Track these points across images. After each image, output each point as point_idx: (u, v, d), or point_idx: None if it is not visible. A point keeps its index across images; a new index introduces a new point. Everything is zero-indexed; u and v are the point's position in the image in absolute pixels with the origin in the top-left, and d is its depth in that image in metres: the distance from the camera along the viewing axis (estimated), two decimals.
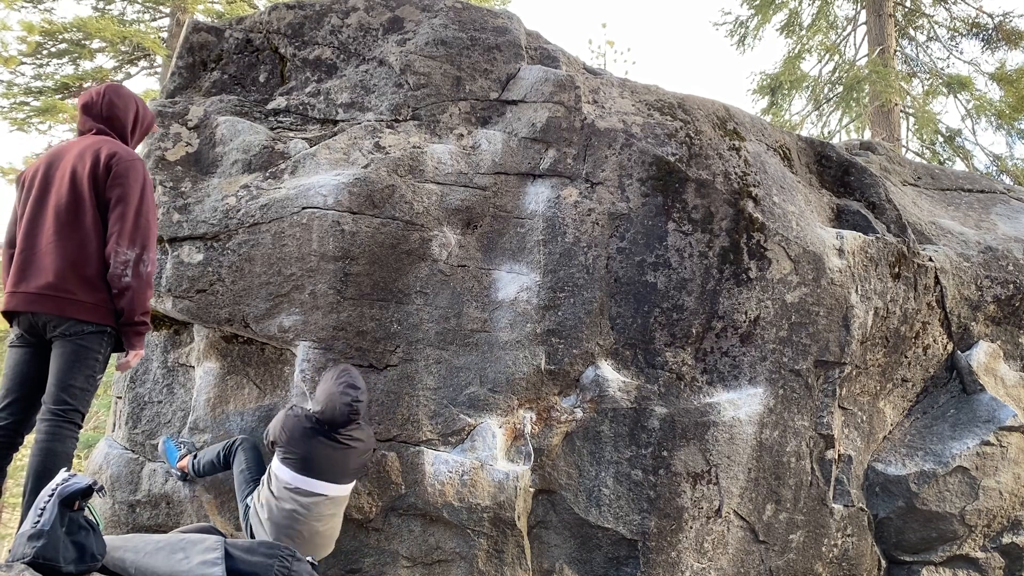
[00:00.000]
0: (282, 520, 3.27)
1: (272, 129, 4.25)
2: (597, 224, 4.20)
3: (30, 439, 2.89)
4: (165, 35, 13.69)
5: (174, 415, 4.07)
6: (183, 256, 3.82)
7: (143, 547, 2.65)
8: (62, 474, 2.47)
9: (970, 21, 12.90)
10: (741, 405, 4.21)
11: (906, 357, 4.80)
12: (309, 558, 2.94)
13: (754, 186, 4.40)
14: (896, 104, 12.19)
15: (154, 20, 14.30)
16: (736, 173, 4.39)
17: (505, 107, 4.38)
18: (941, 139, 13.16)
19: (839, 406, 4.52)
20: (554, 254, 4.14)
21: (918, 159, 12.33)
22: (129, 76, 13.98)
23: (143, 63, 13.92)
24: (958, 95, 12.77)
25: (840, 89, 13.28)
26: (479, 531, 3.84)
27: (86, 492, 2.43)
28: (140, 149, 3.97)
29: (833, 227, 4.77)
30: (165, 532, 3.39)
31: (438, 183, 4.09)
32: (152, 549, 2.64)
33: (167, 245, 3.86)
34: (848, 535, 4.48)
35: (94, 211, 2.83)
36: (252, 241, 3.84)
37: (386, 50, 4.43)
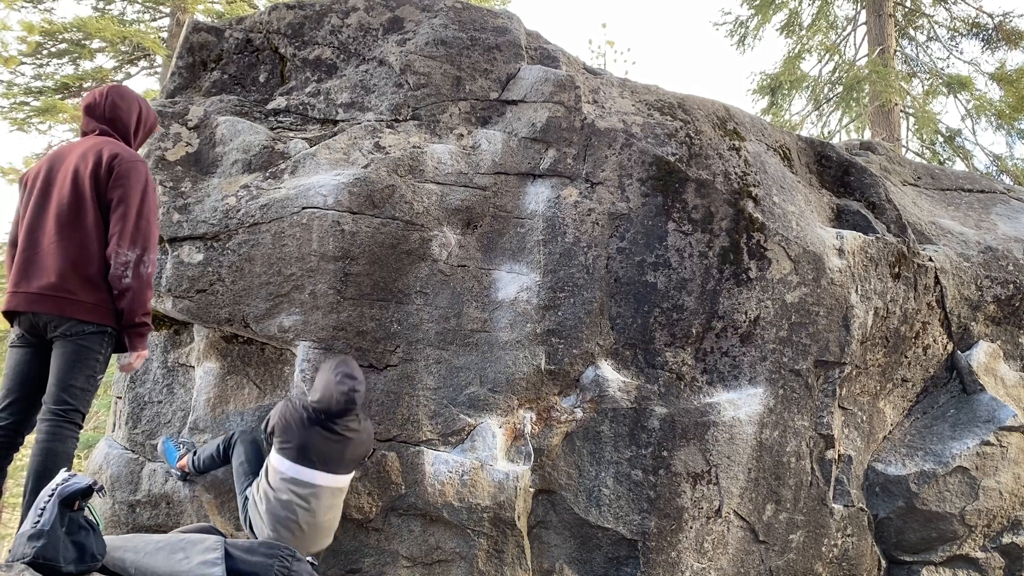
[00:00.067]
0: (280, 511, 3.27)
1: (272, 129, 4.25)
2: (597, 224, 4.20)
3: (30, 439, 2.89)
4: (165, 35, 13.69)
5: (174, 415, 4.07)
6: (183, 256, 3.82)
7: (143, 547, 2.66)
8: (62, 474, 2.47)
9: (970, 21, 12.90)
10: (741, 405, 4.21)
11: (906, 357, 4.80)
12: (309, 558, 2.94)
13: (754, 186, 4.40)
14: (896, 104, 12.19)
15: (154, 20, 14.30)
16: (736, 173, 4.39)
17: (505, 107, 4.38)
18: (941, 139, 13.16)
19: (839, 406, 4.52)
20: (554, 254, 4.14)
21: (918, 159, 12.33)
22: (129, 76, 13.98)
23: (143, 63, 13.92)
24: (958, 95, 12.77)
25: (840, 89, 13.28)
26: (479, 531, 3.84)
27: (86, 492, 2.43)
28: (141, 149, 3.97)
29: (833, 227, 4.77)
30: (165, 532, 3.39)
31: (438, 183, 4.09)
32: (152, 549, 2.64)
33: (167, 245, 3.86)
34: (848, 535, 4.48)
35: (95, 212, 2.84)
36: (252, 241, 3.84)
37: (386, 50, 4.43)
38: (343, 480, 3.46)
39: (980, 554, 4.71)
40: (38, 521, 2.35)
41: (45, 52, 13.08)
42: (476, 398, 3.95)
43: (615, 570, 4.06)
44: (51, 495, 2.39)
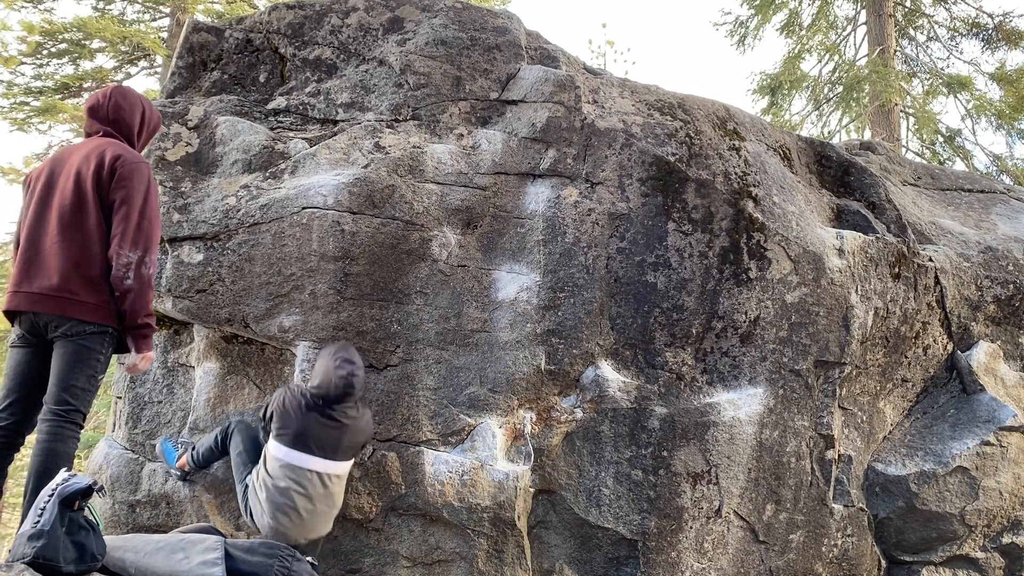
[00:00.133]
0: (277, 497, 3.28)
1: (272, 129, 4.25)
2: (597, 224, 4.20)
3: (31, 439, 2.89)
4: (165, 35, 13.69)
5: (174, 415, 4.07)
6: (183, 256, 3.82)
7: (143, 547, 2.66)
8: (62, 474, 2.48)
9: (970, 21, 12.90)
10: (741, 405, 4.21)
11: (906, 357, 4.80)
12: (309, 558, 2.94)
13: (754, 186, 4.40)
14: (896, 104, 12.19)
15: (154, 20, 14.30)
16: (736, 173, 4.39)
17: (505, 107, 4.38)
18: (941, 139, 13.17)
19: (839, 406, 4.52)
20: (554, 254, 4.14)
21: (918, 159, 12.33)
22: (129, 76, 13.98)
23: (143, 63, 13.92)
24: (958, 95, 12.78)
25: (840, 89, 13.28)
26: (479, 531, 3.84)
27: (86, 492, 2.43)
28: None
29: (833, 227, 4.77)
30: (165, 532, 3.39)
31: (438, 183, 4.09)
32: (152, 549, 2.65)
33: (167, 245, 3.86)
34: (848, 535, 4.48)
35: (97, 212, 2.84)
36: (252, 241, 3.84)
37: (386, 50, 4.43)
38: (340, 467, 3.46)
39: (980, 554, 4.71)
40: (38, 521, 2.35)
41: (45, 52, 13.08)
42: (476, 398, 3.95)
43: (615, 570, 4.06)
44: (51, 495, 2.39)
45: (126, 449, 4.03)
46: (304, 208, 3.86)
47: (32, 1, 13.33)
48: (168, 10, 13.78)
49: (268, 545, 2.86)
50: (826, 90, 13.68)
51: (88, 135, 3.10)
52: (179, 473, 3.80)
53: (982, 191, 5.83)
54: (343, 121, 4.29)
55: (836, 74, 13.65)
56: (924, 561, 4.64)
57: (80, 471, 3.01)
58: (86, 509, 2.50)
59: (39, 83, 13.23)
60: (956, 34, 13.18)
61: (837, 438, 4.45)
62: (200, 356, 4.06)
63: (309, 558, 2.95)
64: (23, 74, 13.16)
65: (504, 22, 4.58)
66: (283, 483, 3.29)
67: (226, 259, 3.83)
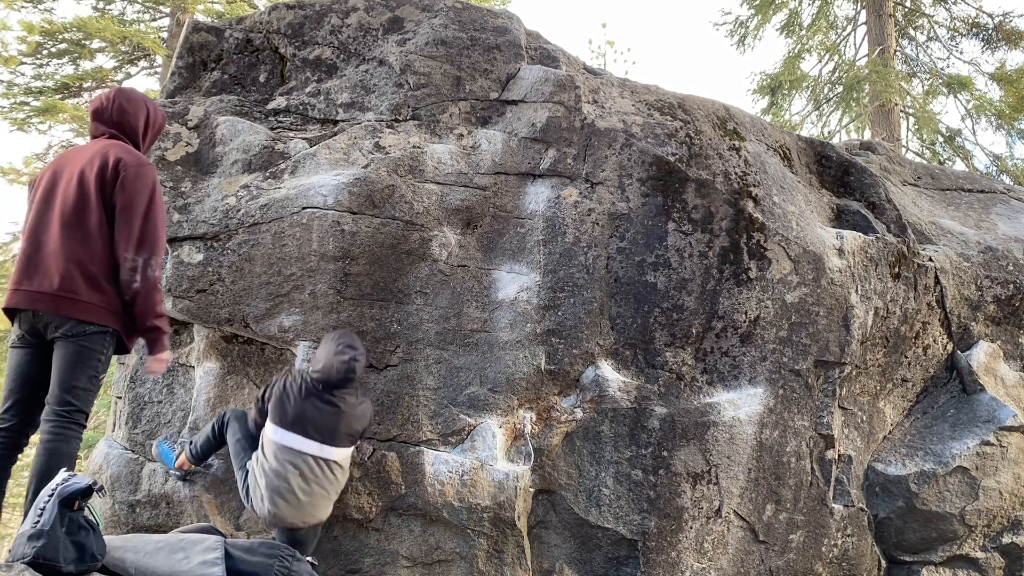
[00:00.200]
0: (274, 480, 3.32)
1: (272, 129, 4.25)
2: (597, 224, 4.20)
3: (34, 439, 2.90)
4: (165, 35, 13.68)
5: (174, 415, 4.07)
6: (183, 256, 3.82)
7: (143, 547, 2.66)
8: (62, 474, 2.48)
9: (970, 21, 12.90)
10: (741, 405, 4.21)
11: (906, 357, 4.80)
12: (309, 558, 2.94)
13: (754, 186, 4.40)
14: (896, 104, 12.19)
15: (154, 20, 14.30)
16: (736, 173, 4.39)
17: (505, 107, 4.38)
18: (941, 139, 13.16)
19: (839, 406, 4.52)
20: (554, 254, 4.14)
21: (918, 159, 12.33)
22: (129, 76, 13.98)
23: (143, 63, 13.92)
24: (958, 95, 12.77)
25: (840, 89, 13.27)
26: (479, 531, 3.84)
27: (86, 492, 2.43)
28: None
29: (833, 227, 4.77)
30: (165, 532, 3.39)
31: (438, 183, 4.09)
32: (152, 549, 2.64)
33: (167, 245, 3.86)
34: (848, 535, 4.48)
35: (100, 213, 2.83)
36: (252, 241, 3.84)
37: (386, 50, 4.43)
38: (337, 453, 3.46)
39: (980, 554, 4.71)
40: (38, 521, 2.35)
41: (45, 52, 13.07)
42: (476, 398, 3.95)
43: (615, 570, 4.06)
44: (51, 495, 2.39)
45: (126, 449, 4.03)
46: (304, 208, 3.86)
47: (32, 1, 13.33)
48: (168, 10, 13.78)
49: (268, 545, 2.86)
50: (826, 90, 13.68)
51: (93, 137, 3.10)
52: (179, 473, 3.80)
53: (982, 191, 5.83)
54: (343, 121, 4.29)
55: (836, 74, 13.65)
56: (924, 561, 4.64)
57: (80, 471, 3.01)
58: (86, 509, 2.50)
59: (39, 83, 13.23)
60: (956, 34, 13.18)
61: (837, 438, 4.45)
62: (200, 356, 4.06)
63: (309, 558, 2.95)
64: (23, 74, 13.17)
65: (504, 22, 4.58)
66: (280, 466, 3.33)
67: (226, 259, 3.83)
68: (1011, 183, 8.64)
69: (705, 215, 4.30)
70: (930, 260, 4.79)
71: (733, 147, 4.48)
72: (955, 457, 4.56)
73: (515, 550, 3.91)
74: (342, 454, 3.50)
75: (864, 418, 4.65)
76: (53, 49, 13.12)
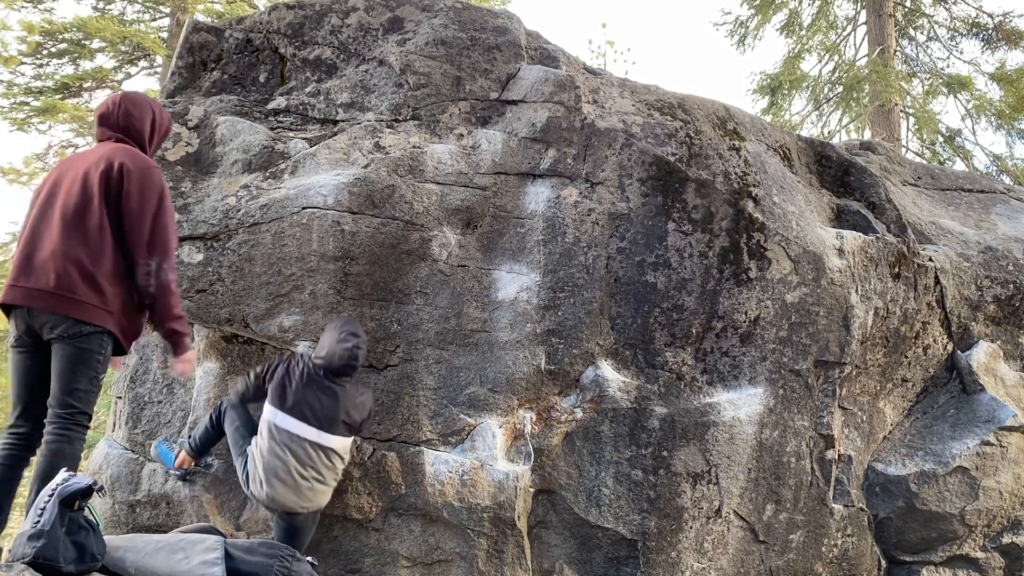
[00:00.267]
0: (272, 461, 3.35)
1: (272, 129, 4.25)
2: (597, 224, 4.20)
3: None
4: (165, 35, 13.68)
5: (174, 415, 4.07)
6: (183, 256, 3.82)
7: (143, 547, 2.65)
8: (62, 474, 2.47)
9: (970, 21, 12.90)
10: (741, 405, 4.21)
11: (906, 357, 4.80)
12: (309, 558, 2.94)
13: (754, 186, 4.40)
14: (896, 104, 12.19)
15: (154, 20, 14.29)
16: (736, 173, 4.39)
17: (505, 107, 4.38)
18: (941, 139, 13.16)
19: (839, 406, 4.52)
20: (554, 254, 4.14)
21: (918, 159, 12.33)
22: (129, 76, 13.97)
23: (143, 63, 13.91)
24: (958, 95, 12.77)
25: (840, 89, 13.28)
26: (479, 531, 3.84)
27: (86, 492, 2.43)
28: None
29: (833, 227, 4.77)
30: (165, 532, 3.39)
31: (438, 183, 4.09)
32: (152, 549, 2.64)
33: None
34: (848, 535, 4.48)
35: (101, 213, 2.82)
36: (252, 241, 3.84)
37: (386, 50, 4.43)
38: (335, 441, 3.47)
39: (980, 554, 4.71)
40: (38, 521, 2.35)
41: (45, 52, 13.07)
42: (476, 398, 3.95)
43: (615, 570, 4.06)
44: (51, 495, 2.39)
45: (126, 449, 4.03)
46: (304, 208, 3.86)
47: (32, 1, 13.33)
48: (168, 10, 13.78)
49: (268, 545, 2.86)
50: (826, 90, 13.68)
51: (99, 142, 3.09)
52: (179, 472, 3.80)
53: (982, 191, 5.83)
54: (343, 121, 4.30)
55: (836, 74, 13.65)
56: (924, 561, 4.64)
57: (81, 471, 3.01)
58: (86, 509, 2.50)
59: (39, 83, 13.22)
60: (956, 34, 13.18)
61: (837, 438, 4.45)
62: (200, 356, 4.06)
63: (309, 558, 2.95)
64: (23, 74, 13.16)
65: (504, 22, 4.58)
66: (279, 449, 3.35)
67: (226, 259, 3.83)
68: (1011, 183, 8.64)
69: (705, 215, 4.30)
70: (930, 260, 4.79)
71: (733, 147, 4.48)
72: (955, 457, 4.57)
73: (515, 550, 3.91)
74: (340, 442, 3.50)
75: (864, 418, 4.65)
76: (53, 49, 13.11)
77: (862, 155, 5.62)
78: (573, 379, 4.11)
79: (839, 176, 5.20)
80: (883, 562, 4.64)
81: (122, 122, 3.05)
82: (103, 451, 4.10)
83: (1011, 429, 4.64)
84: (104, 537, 2.57)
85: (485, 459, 3.85)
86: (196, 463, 3.81)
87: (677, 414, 4.13)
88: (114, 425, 4.22)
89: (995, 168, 12.78)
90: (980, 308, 4.94)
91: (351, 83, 4.39)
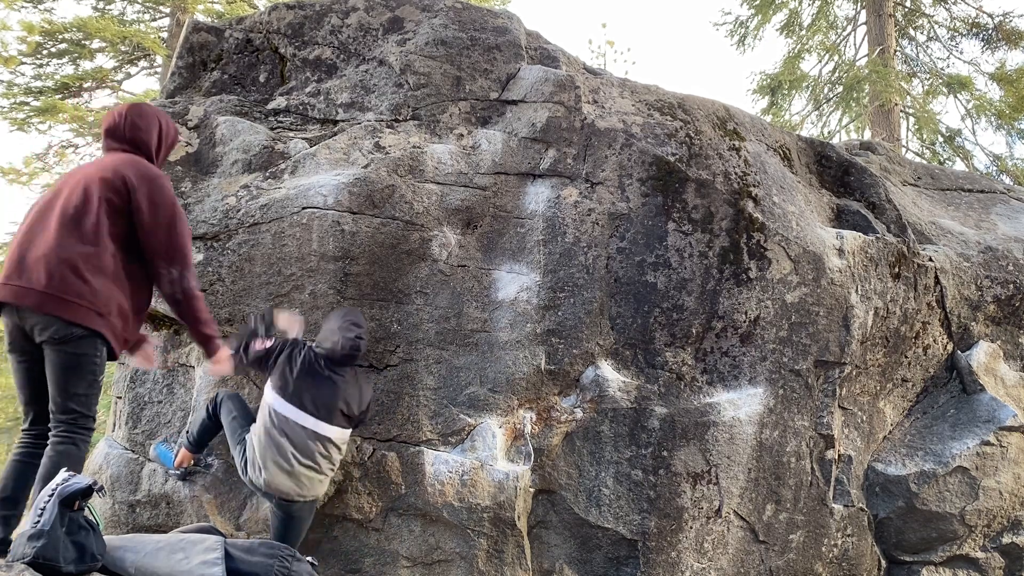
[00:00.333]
0: (269, 445, 3.37)
1: (272, 129, 4.25)
2: (597, 224, 4.20)
3: None
4: (165, 35, 13.68)
5: (174, 415, 4.06)
6: None
7: (143, 547, 2.65)
8: (62, 474, 2.47)
9: (970, 21, 12.90)
10: (741, 405, 4.21)
11: (906, 357, 4.80)
12: (309, 558, 2.94)
13: (754, 186, 4.40)
14: (896, 104, 12.19)
15: (154, 20, 14.29)
16: (736, 173, 4.39)
17: (505, 107, 4.38)
18: (941, 139, 13.16)
19: (839, 406, 4.52)
20: (554, 254, 4.14)
21: (918, 159, 12.33)
22: (129, 76, 13.97)
23: (143, 63, 13.91)
24: (958, 95, 12.77)
25: (840, 89, 13.28)
26: (479, 531, 3.84)
27: (86, 492, 2.43)
28: None
29: (833, 227, 4.77)
30: (165, 532, 3.39)
31: (438, 183, 4.09)
32: (152, 549, 2.64)
33: None
34: (848, 535, 4.48)
35: (99, 217, 2.79)
36: (252, 241, 3.84)
37: (386, 50, 4.43)
38: (332, 431, 3.47)
39: (980, 554, 4.71)
40: (38, 521, 2.35)
41: (45, 52, 13.06)
42: (476, 398, 3.95)
43: (615, 570, 4.06)
44: (51, 495, 2.39)
45: (126, 449, 4.03)
46: (304, 208, 3.86)
47: (32, 1, 13.33)
48: (168, 10, 13.78)
49: (268, 545, 2.86)
50: (826, 90, 13.68)
51: (107, 152, 3.09)
52: (179, 472, 3.80)
53: (982, 191, 5.83)
54: (343, 121, 4.29)
55: (836, 74, 13.66)
56: (924, 561, 4.64)
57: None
58: (86, 509, 2.50)
59: (39, 83, 13.22)
60: (956, 34, 13.18)
61: (837, 438, 4.45)
62: (200, 356, 4.06)
63: (309, 558, 2.95)
64: (23, 74, 13.16)
65: (504, 22, 4.58)
66: (277, 433, 3.37)
67: (226, 259, 3.83)
68: (1011, 183, 8.64)
69: (705, 215, 4.30)
70: (930, 260, 4.80)
71: (733, 147, 4.48)
72: (955, 457, 4.57)
73: (515, 550, 3.91)
74: (337, 433, 3.50)
75: (864, 418, 4.65)
76: (53, 49, 13.11)
77: (862, 155, 5.62)
78: (573, 379, 4.11)
79: (839, 176, 5.20)
80: (883, 562, 4.64)
81: (129, 134, 3.04)
82: (103, 451, 4.10)
83: (1011, 429, 4.64)
84: (104, 537, 2.57)
85: (485, 459, 3.85)
86: (196, 459, 3.81)
87: (677, 414, 4.13)
88: (114, 425, 4.22)
89: (995, 168, 12.78)
90: (980, 308, 4.94)
91: (351, 83, 4.39)
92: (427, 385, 3.94)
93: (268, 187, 3.97)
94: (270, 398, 3.45)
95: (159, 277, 2.91)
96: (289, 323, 3.69)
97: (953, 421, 4.75)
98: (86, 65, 13.41)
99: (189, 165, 4.10)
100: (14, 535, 2.53)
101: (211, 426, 3.67)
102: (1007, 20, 12.48)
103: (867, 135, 13.31)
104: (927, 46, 13.71)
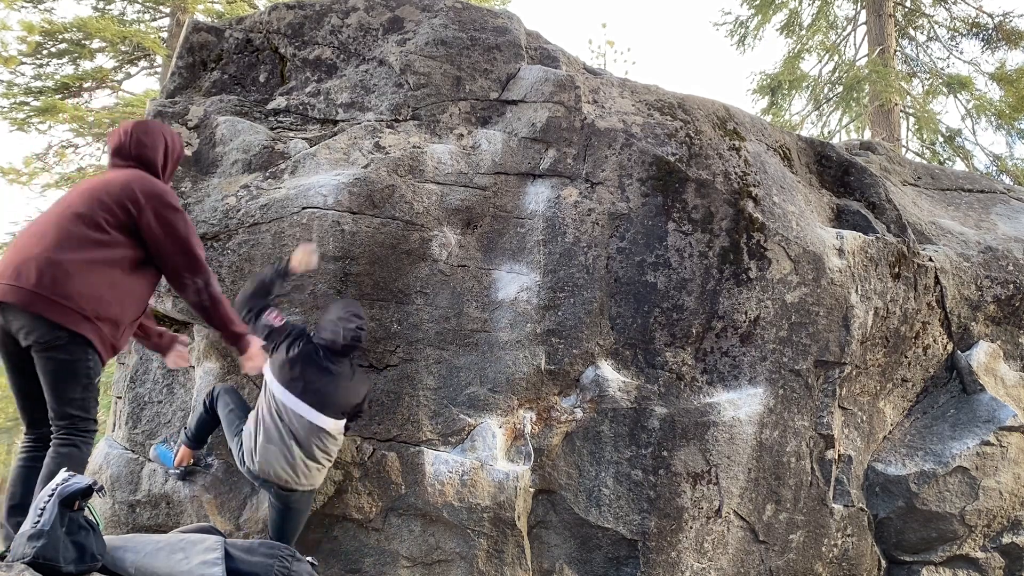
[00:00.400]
0: (267, 430, 3.38)
1: (272, 129, 4.25)
2: (597, 224, 4.20)
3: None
4: (165, 35, 13.68)
5: (174, 415, 4.06)
6: None
7: (143, 547, 2.65)
8: (62, 474, 2.47)
9: (970, 21, 12.90)
10: (741, 405, 4.21)
11: (906, 357, 4.80)
12: (309, 558, 2.94)
13: (754, 186, 4.40)
14: (896, 104, 12.19)
15: (154, 20, 14.29)
16: (736, 173, 4.39)
17: (505, 107, 4.38)
18: (941, 139, 13.16)
19: (839, 406, 4.52)
20: (554, 254, 4.14)
21: (918, 159, 12.33)
22: (129, 76, 13.98)
23: (143, 63, 13.91)
24: (958, 95, 12.78)
25: (840, 89, 13.28)
26: (479, 531, 3.84)
27: (86, 492, 2.43)
28: None
29: (833, 227, 4.77)
30: (165, 532, 3.39)
31: (438, 183, 4.09)
32: (152, 549, 2.64)
33: None
34: (848, 535, 4.48)
35: (101, 227, 2.78)
36: (252, 241, 3.84)
37: (386, 50, 4.43)
38: (328, 423, 3.47)
39: (980, 554, 4.71)
40: (38, 521, 2.35)
41: (45, 52, 13.06)
42: (476, 398, 3.95)
43: (615, 570, 4.06)
44: (51, 495, 2.39)
45: (126, 449, 4.03)
46: (304, 208, 3.86)
47: (32, 1, 13.33)
48: (168, 10, 13.78)
49: (268, 545, 2.86)
50: (826, 90, 13.68)
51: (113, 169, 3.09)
52: (179, 471, 3.80)
53: (982, 191, 5.83)
54: (343, 121, 4.30)
55: (836, 74, 13.66)
56: (924, 561, 4.64)
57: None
58: (86, 509, 2.50)
59: (39, 83, 13.21)
60: (956, 34, 13.18)
61: (837, 438, 4.45)
62: (200, 356, 4.06)
63: (309, 558, 2.94)
64: (23, 74, 13.15)
65: (504, 22, 4.58)
66: (274, 419, 3.38)
67: (226, 259, 3.83)
68: (1011, 183, 8.64)
69: (705, 215, 4.30)
70: (930, 260, 4.80)
71: (733, 147, 4.48)
72: (955, 457, 4.57)
73: (515, 550, 3.91)
74: (332, 424, 3.50)
75: (864, 418, 4.65)
76: (53, 49, 13.11)
77: (862, 155, 5.62)
78: (573, 379, 4.11)
79: (839, 176, 5.20)
80: (883, 562, 4.64)
81: (135, 151, 3.03)
82: (103, 451, 4.10)
83: (1011, 429, 4.64)
84: (104, 537, 2.56)
85: (485, 459, 3.85)
86: (196, 456, 3.81)
87: (677, 414, 4.13)
88: (114, 425, 4.22)
89: (995, 168, 12.78)
90: (980, 308, 4.94)
91: (351, 83, 4.39)
92: (427, 385, 3.94)
93: (268, 187, 3.97)
94: (271, 382, 3.47)
95: (184, 288, 2.97)
96: (305, 260, 3.64)
97: (953, 421, 4.75)
98: (86, 65, 13.41)
99: (189, 165, 4.10)
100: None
101: (208, 420, 3.68)
102: (1007, 20, 12.48)
103: (867, 135, 13.31)
104: (927, 46, 13.72)
